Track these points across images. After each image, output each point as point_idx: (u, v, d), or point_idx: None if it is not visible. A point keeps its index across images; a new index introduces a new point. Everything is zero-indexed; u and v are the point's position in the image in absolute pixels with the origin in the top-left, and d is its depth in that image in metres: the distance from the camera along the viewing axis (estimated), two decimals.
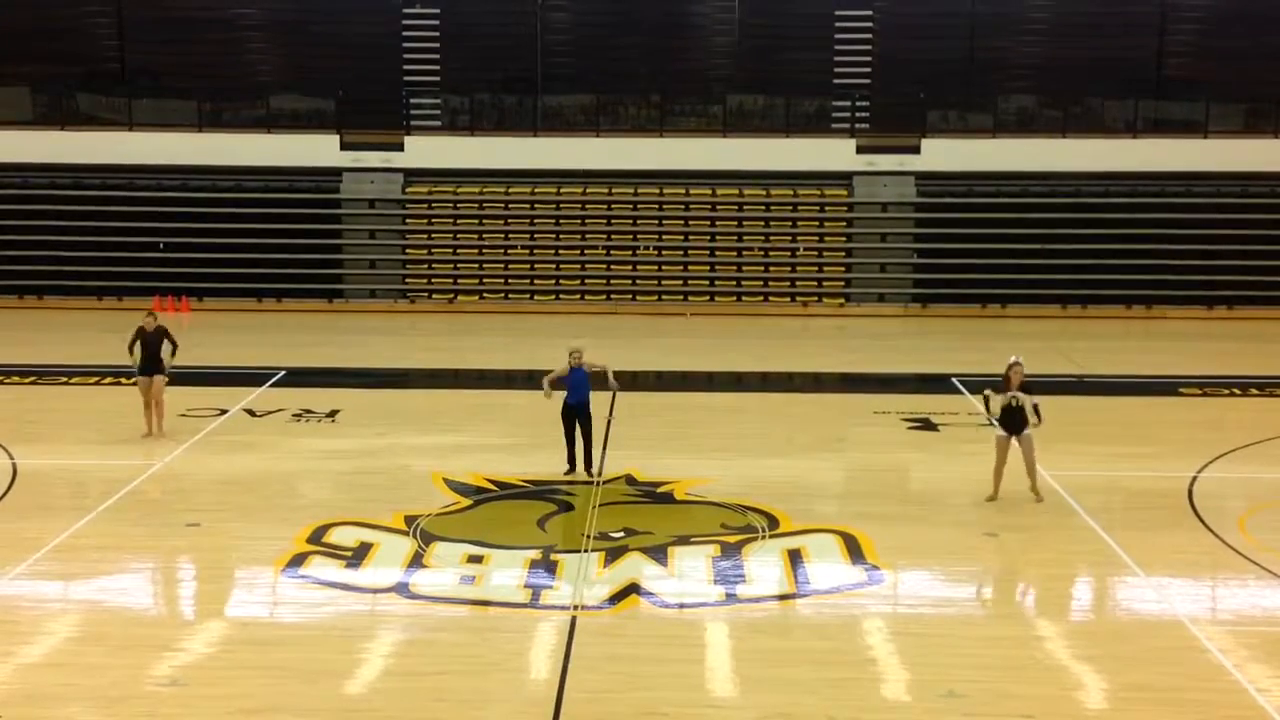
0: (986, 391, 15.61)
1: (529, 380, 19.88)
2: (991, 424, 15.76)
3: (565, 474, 16.41)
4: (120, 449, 17.65)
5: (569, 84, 35.12)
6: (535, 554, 13.60)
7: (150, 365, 18.00)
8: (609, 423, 18.80)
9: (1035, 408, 15.28)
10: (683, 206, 32.35)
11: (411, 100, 34.62)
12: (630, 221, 32.24)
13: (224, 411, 19.84)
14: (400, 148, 32.68)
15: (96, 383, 21.65)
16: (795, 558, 13.60)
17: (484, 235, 32.21)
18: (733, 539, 14.14)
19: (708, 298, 31.62)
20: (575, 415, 16.43)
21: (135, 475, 16.32)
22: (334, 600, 12.40)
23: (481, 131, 33.56)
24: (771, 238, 32.07)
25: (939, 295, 31.30)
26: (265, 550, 13.64)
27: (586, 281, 31.79)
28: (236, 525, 14.59)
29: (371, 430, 19.00)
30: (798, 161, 32.47)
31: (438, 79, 35.65)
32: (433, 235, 32.39)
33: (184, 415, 19.32)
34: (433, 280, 32.07)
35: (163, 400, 18.19)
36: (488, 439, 18.49)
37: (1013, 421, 15.31)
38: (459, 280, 31.96)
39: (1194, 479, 16.59)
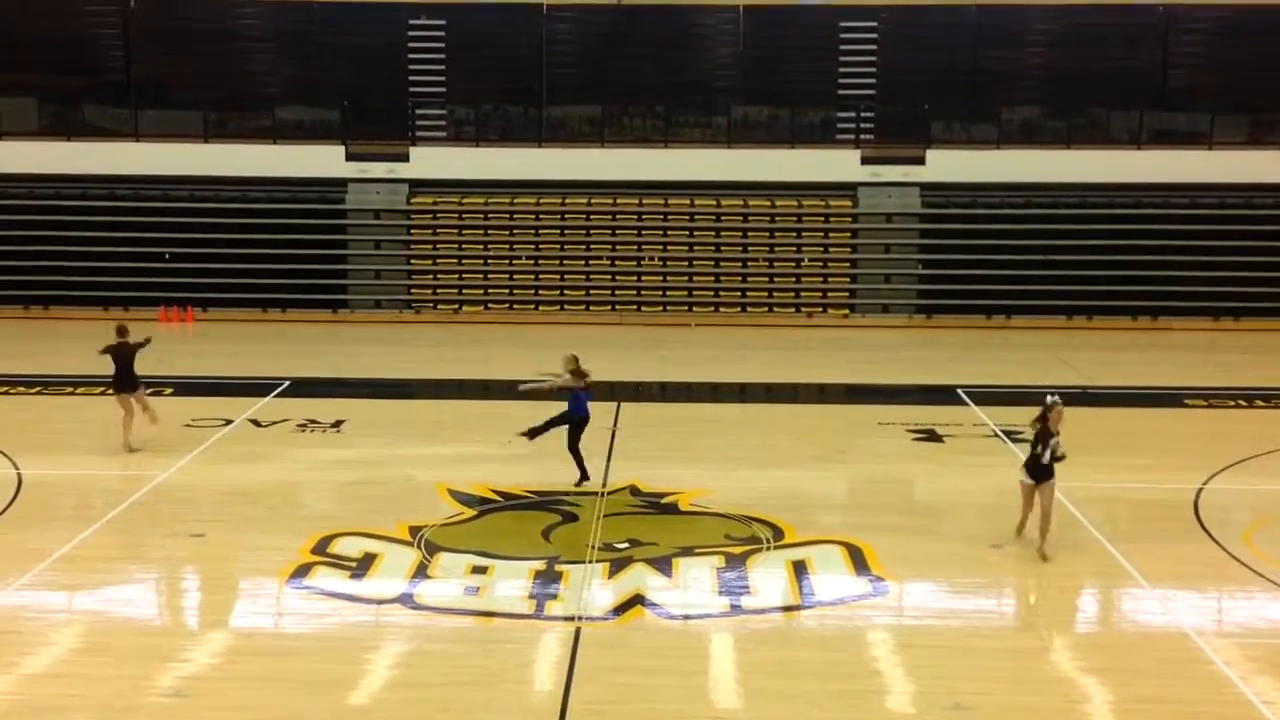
0: (1047, 453, 13.77)
1: (536, 394, 19.89)
2: (998, 435, 15.63)
3: (578, 484, 16.41)
4: (125, 459, 17.67)
5: (574, 95, 35.17)
6: (539, 565, 13.59)
7: (124, 382, 18.01)
8: (613, 434, 18.81)
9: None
10: (687, 217, 32.37)
11: (417, 111, 34.67)
12: (635, 232, 32.25)
13: (229, 422, 19.86)
14: (405, 158, 32.72)
15: (102, 393, 21.58)
16: (800, 569, 13.58)
17: (489, 246, 32.24)
18: (737, 550, 14.13)
19: (712, 308, 31.63)
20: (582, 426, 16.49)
21: (140, 486, 16.33)
22: (338, 611, 12.40)
23: (486, 142, 33.62)
24: (776, 248, 32.05)
25: (943, 306, 31.29)
26: (270, 561, 13.63)
27: (591, 292, 31.82)
28: (241, 536, 14.59)
29: (376, 440, 19.00)
30: (802, 172, 32.49)
31: (443, 90, 35.70)
32: (437, 246, 32.43)
33: (189, 426, 19.35)
34: (437, 291, 32.11)
35: (148, 403, 18.22)
36: (492, 449, 18.45)
37: (1041, 467, 13.87)
38: (464, 291, 32.00)
39: (1199, 491, 16.56)
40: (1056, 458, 13.71)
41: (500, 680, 10.87)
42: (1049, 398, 13.97)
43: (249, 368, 24.70)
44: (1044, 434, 13.76)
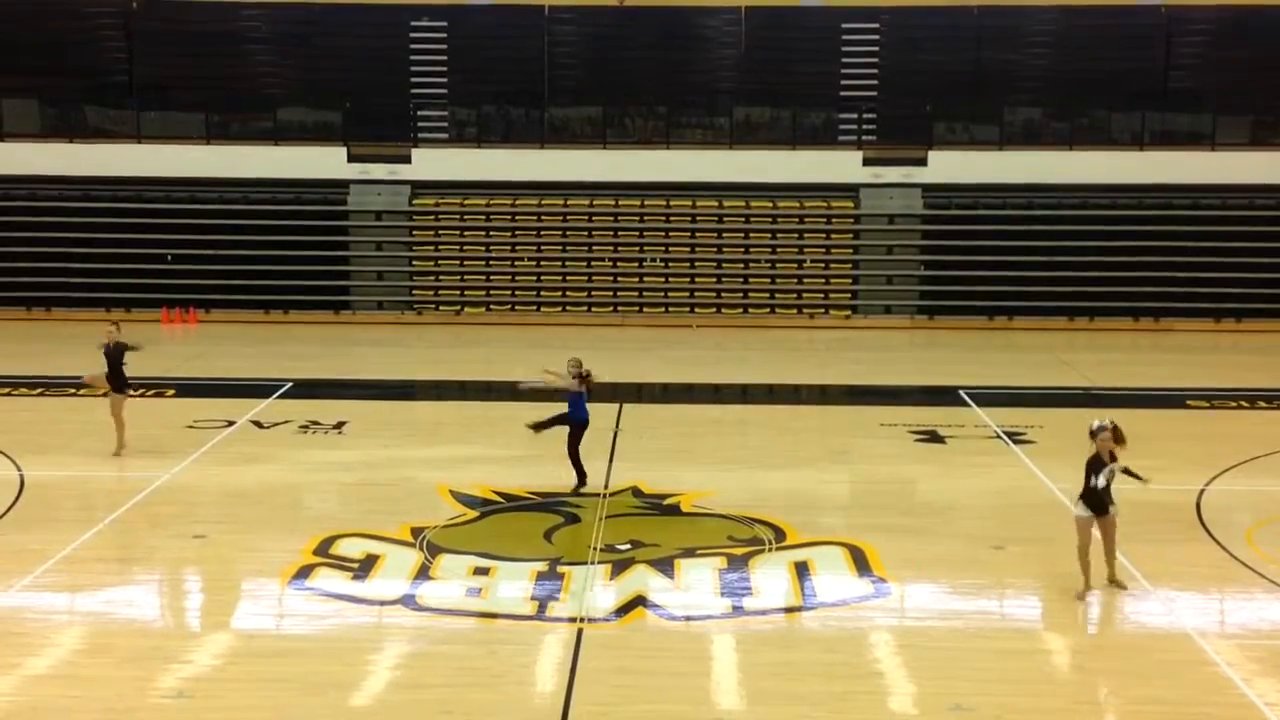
0: (1100, 479, 12.59)
1: (535, 392, 19.95)
2: (1000, 436, 15.57)
3: (576, 490, 16.30)
4: (127, 461, 17.67)
5: (575, 96, 35.22)
6: (542, 566, 13.59)
7: (112, 382, 17.83)
8: (615, 435, 18.81)
9: (1128, 471, 12.78)
10: (689, 218, 32.40)
11: (419, 112, 34.73)
12: (637, 233, 32.29)
13: (231, 423, 19.87)
14: (407, 160, 32.75)
15: (104, 395, 21.64)
16: (802, 570, 13.58)
17: (491, 247, 32.28)
18: (739, 551, 14.12)
19: (714, 309, 31.65)
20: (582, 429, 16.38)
21: (142, 487, 16.34)
22: (340, 612, 12.40)
23: (488, 144, 33.66)
24: (778, 249, 32.09)
25: (945, 307, 31.30)
26: (272, 562, 13.63)
27: (593, 293, 31.84)
28: (243, 537, 14.60)
29: (378, 442, 19.01)
30: (804, 173, 32.52)
31: (445, 91, 35.73)
32: (439, 247, 32.46)
33: (191, 427, 19.37)
34: (439, 292, 32.14)
35: (122, 418, 17.91)
36: (494, 451, 18.48)
37: (1099, 499, 12.76)
38: (466, 292, 32.03)
39: (1201, 492, 16.55)
40: (1108, 482, 12.59)
41: (502, 681, 10.87)
42: (1094, 423, 12.81)
43: (251, 369, 24.72)
44: (1095, 462, 12.63)
